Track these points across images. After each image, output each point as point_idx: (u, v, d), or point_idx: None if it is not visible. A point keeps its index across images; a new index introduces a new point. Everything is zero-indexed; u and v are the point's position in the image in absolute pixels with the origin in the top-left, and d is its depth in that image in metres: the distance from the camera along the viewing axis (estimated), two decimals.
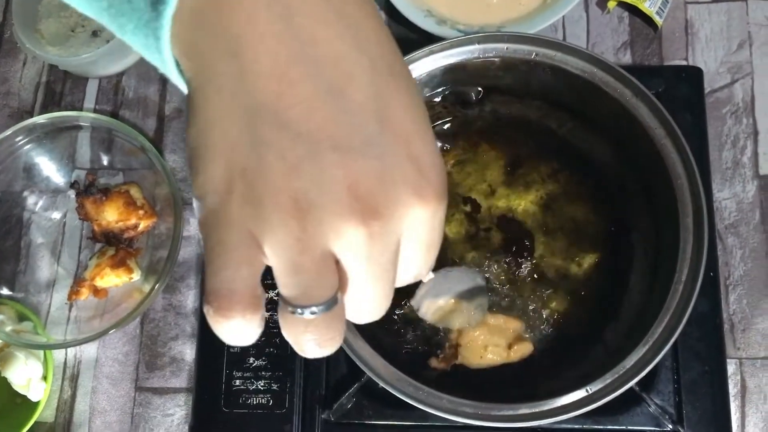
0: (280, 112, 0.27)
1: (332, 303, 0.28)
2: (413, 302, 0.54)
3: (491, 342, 0.54)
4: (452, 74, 0.54)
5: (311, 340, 0.29)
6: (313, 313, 0.28)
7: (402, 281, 0.32)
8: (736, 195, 0.67)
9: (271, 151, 0.27)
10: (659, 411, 0.55)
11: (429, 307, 0.54)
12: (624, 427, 0.56)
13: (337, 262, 0.28)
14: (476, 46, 0.52)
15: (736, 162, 0.68)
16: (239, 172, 0.27)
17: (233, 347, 0.61)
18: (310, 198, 0.27)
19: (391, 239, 0.28)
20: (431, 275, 0.43)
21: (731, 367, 0.63)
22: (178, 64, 0.29)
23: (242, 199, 0.27)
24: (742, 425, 0.62)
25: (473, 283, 0.55)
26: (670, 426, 0.56)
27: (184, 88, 0.30)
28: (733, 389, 0.62)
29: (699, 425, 0.56)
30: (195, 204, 0.29)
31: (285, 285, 0.28)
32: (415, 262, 0.31)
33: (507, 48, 0.51)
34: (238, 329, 0.28)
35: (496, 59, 0.52)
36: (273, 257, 0.27)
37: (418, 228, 0.29)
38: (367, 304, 0.30)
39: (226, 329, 0.28)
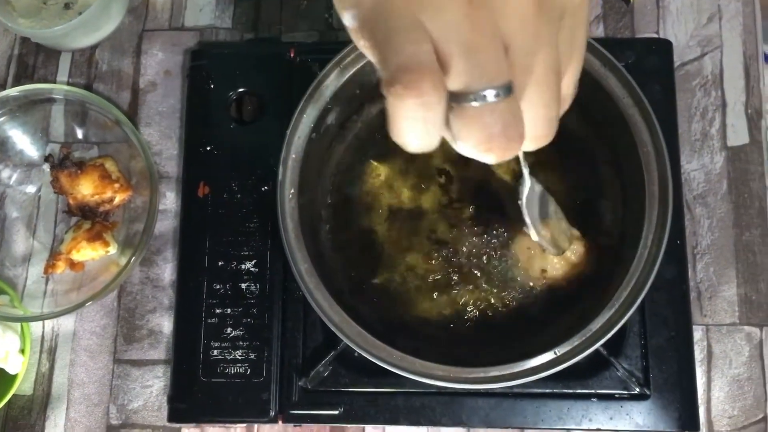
0: None
1: (508, 89, 0.27)
2: (529, 220, 0.49)
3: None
4: None
5: (490, 134, 0.28)
6: (496, 95, 0.27)
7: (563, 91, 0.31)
8: (705, 166, 0.69)
9: None
10: (627, 375, 0.57)
11: (539, 227, 0.50)
12: (593, 391, 0.58)
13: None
14: None
15: (704, 134, 0.69)
16: None
17: (212, 318, 0.61)
18: None
19: (554, 16, 0.28)
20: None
21: (698, 334, 0.64)
22: None
23: None
24: (708, 389, 0.64)
25: (540, 191, 0.50)
26: (638, 389, 0.57)
27: None
28: (699, 355, 0.64)
29: (665, 388, 0.58)
30: (348, 15, 0.28)
31: (458, 71, 0.27)
32: (572, 62, 0.31)
33: None
34: (429, 110, 0.27)
35: None
36: (444, 40, 0.27)
37: (574, 15, 0.29)
38: (543, 104, 0.29)
39: (415, 111, 0.27)
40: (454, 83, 0.27)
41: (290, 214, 0.51)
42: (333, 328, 0.49)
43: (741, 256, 0.67)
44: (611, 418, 0.58)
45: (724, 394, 0.64)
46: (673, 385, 0.58)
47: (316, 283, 0.50)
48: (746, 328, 0.65)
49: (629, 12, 0.73)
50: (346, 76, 0.52)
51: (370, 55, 0.29)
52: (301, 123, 0.52)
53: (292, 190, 0.51)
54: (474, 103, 0.27)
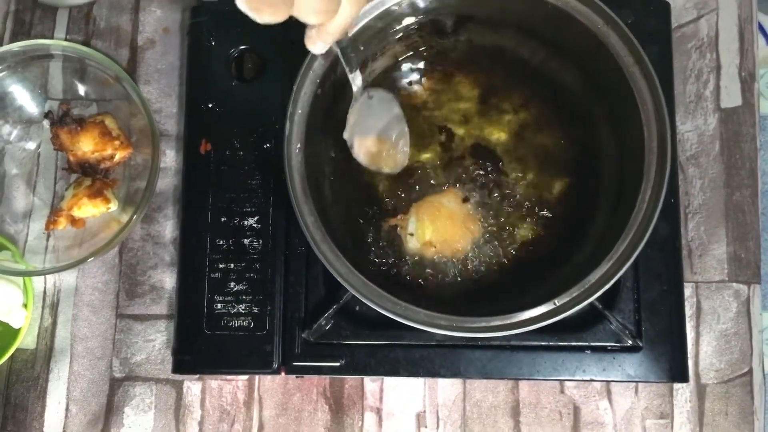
0: None
1: None
2: (345, 135, 0.57)
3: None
4: (429, 2, 0.55)
5: None
6: None
7: None
8: (698, 127, 0.70)
9: None
10: (620, 328, 0.59)
11: (360, 146, 0.57)
12: (587, 343, 0.60)
13: None
14: None
15: (698, 95, 0.71)
16: None
17: (215, 273, 0.62)
18: None
19: None
20: (360, 81, 0.53)
21: (688, 290, 0.66)
22: None
23: None
24: (697, 343, 0.66)
25: (391, 114, 0.57)
26: (630, 341, 0.59)
27: None
28: (689, 310, 0.66)
29: (656, 341, 0.60)
30: None
31: None
32: None
33: None
34: None
35: None
36: None
37: None
38: None
39: None
40: None
41: (297, 168, 0.52)
42: (340, 280, 0.50)
43: (731, 215, 0.68)
44: (604, 370, 0.60)
45: (712, 348, 0.66)
46: (664, 338, 0.60)
47: (322, 236, 0.51)
48: (734, 285, 0.67)
49: None
50: (350, 34, 0.52)
51: None
52: (307, 79, 0.53)
53: (299, 145, 0.52)
54: None
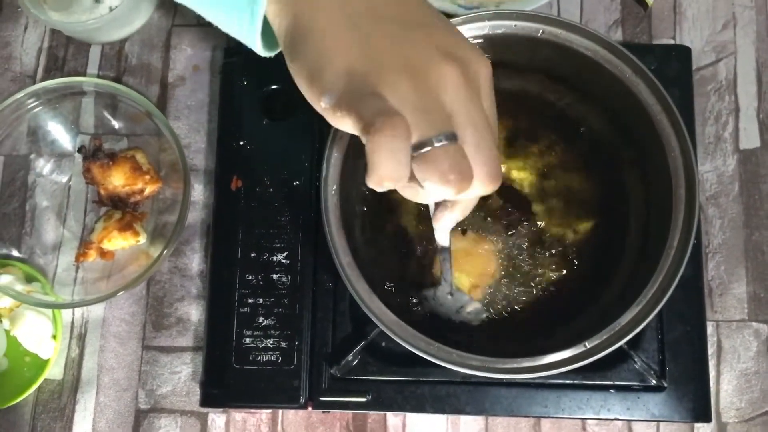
0: (374, 8, 0.38)
1: (452, 136, 0.36)
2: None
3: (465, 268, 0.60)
4: None
5: (445, 171, 0.36)
6: (441, 140, 0.36)
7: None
8: (717, 168, 0.71)
9: (376, 35, 0.38)
10: (644, 367, 0.60)
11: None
12: (611, 382, 0.60)
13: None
14: (486, 23, 0.54)
15: (718, 137, 0.72)
16: (357, 59, 0.37)
17: (244, 307, 0.63)
18: (413, 58, 0.37)
19: (476, 86, 0.38)
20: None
21: (709, 329, 0.67)
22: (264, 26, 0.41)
23: (363, 75, 0.37)
24: (718, 382, 0.67)
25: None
26: (654, 381, 0.60)
27: (260, 48, 0.44)
28: (710, 349, 0.66)
29: (680, 381, 0.61)
30: (325, 102, 0.38)
31: (414, 126, 0.36)
32: (491, 121, 0.40)
33: (515, 25, 0.54)
34: (399, 146, 0.35)
35: (503, 35, 0.54)
36: (401, 108, 0.36)
37: (485, 86, 0.39)
38: (485, 147, 0.38)
39: (389, 147, 0.35)
40: (415, 138, 0.36)
41: (333, 209, 0.53)
42: (375, 320, 0.51)
43: (750, 255, 0.69)
44: (628, 409, 0.60)
45: (732, 387, 0.67)
46: (688, 378, 0.60)
47: (357, 276, 0.52)
48: (754, 324, 0.68)
49: (647, 17, 0.75)
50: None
51: (349, 122, 0.37)
52: None
53: (334, 187, 0.54)
54: (427, 148, 0.36)
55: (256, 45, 0.43)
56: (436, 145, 0.36)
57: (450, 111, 0.37)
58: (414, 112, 0.36)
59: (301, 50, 0.39)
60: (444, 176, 0.36)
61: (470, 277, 0.61)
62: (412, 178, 0.37)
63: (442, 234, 0.49)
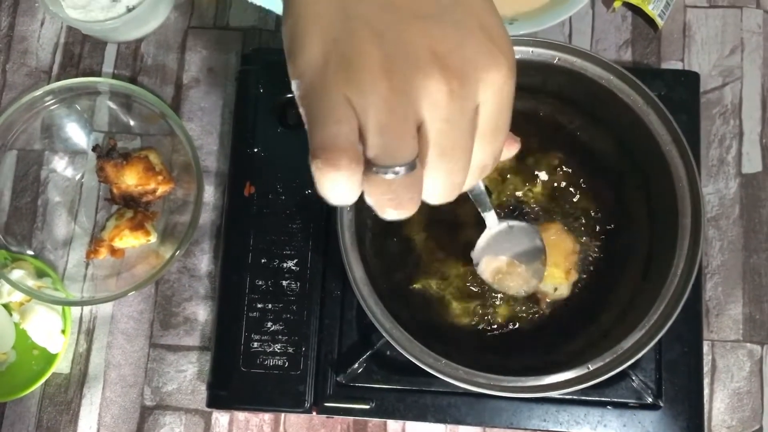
0: None
1: (412, 166, 0.31)
2: (473, 254, 0.56)
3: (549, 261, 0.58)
4: None
5: (392, 200, 0.32)
6: (395, 173, 0.31)
7: (474, 168, 0.34)
8: (719, 191, 0.73)
9: (359, 21, 0.31)
10: (642, 386, 0.61)
11: (488, 264, 0.56)
12: (609, 399, 0.62)
13: (419, 130, 0.31)
14: None
15: (721, 160, 0.74)
16: (332, 43, 0.31)
17: (253, 312, 0.65)
18: (396, 60, 0.30)
19: (469, 104, 0.31)
20: (494, 215, 0.51)
21: (704, 348, 0.69)
22: None
23: (336, 65, 0.31)
24: (711, 399, 0.69)
25: (532, 244, 0.57)
26: (651, 399, 0.62)
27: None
28: (705, 368, 0.68)
29: (676, 400, 0.62)
30: (294, 84, 0.32)
31: (372, 146, 0.31)
32: (489, 139, 0.33)
33: (532, 51, 0.55)
34: (344, 181, 0.31)
35: (519, 60, 0.56)
36: (363, 117, 0.30)
37: (493, 96, 0.32)
38: (444, 175, 0.33)
39: (333, 181, 0.31)
40: (368, 153, 0.31)
41: (347, 225, 0.54)
42: (384, 334, 0.52)
43: (748, 277, 0.71)
44: (624, 425, 0.62)
45: (725, 405, 0.69)
46: (683, 398, 0.62)
47: (369, 291, 0.54)
48: (749, 345, 0.70)
49: (656, 39, 0.76)
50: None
51: (305, 123, 0.32)
52: None
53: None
54: (380, 174, 0.31)
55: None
56: (386, 176, 0.31)
57: (421, 130, 0.31)
58: (376, 129, 0.30)
59: (284, 21, 0.33)
60: (379, 204, 0.33)
61: (558, 266, 0.61)
62: None
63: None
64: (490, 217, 0.53)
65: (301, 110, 0.32)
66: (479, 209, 0.51)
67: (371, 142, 0.31)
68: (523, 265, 0.57)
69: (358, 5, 0.31)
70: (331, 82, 0.31)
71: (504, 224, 0.55)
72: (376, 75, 0.30)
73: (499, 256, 0.56)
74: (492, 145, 0.34)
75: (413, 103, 0.31)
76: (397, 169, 0.31)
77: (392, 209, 0.33)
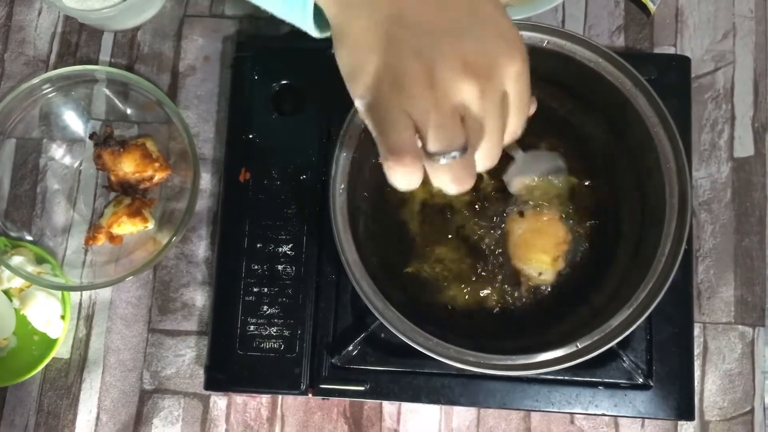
0: (402, 16, 0.39)
1: (464, 149, 0.40)
2: (505, 177, 0.63)
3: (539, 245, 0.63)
4: None
5: (453, 179, 0.41)
6: (453, 157, 0.40)
7: (508, 135, 0.44)
8: (711, 175, 0.74)
9: (403, 45, 0.39)
10: (633, 366, 0.62)
11: (518, 183, 0.64)
12: (600, 379, 0.63)
13: (464, 122, 0.40)
14: None
15: (713, 144, 0.74)
16: (383, 66, 0.39)
17: (249, 296, 0.65)
18: (436, 72, 0.39)
19: (497, 95, 0.40)
20: (520, 152, 0.61)
21: (696, 330, 0.69)
22: (315, 14, 0.42)
23: (390, 85, 0.39)
24: (702, 381, 0.70)
25: (555, 163, 0.64)
26: (641, 380, 0.63)
27: (313, 32, 0.45)
28: (696, 350, 0.69)
29: (666, 380, 0.63)
30: (358, 102, 0.42)
31: (431, 140, 0.39)
32: (515, 114, 0.43)
33: (521, 35, 0.56)
34: (410, 173, 0.40)
35: None
36: (421, 122, 0.39)
37: (514, 84, 0.41)
38: (488, 150, 0.42)
39: (402, 174, 0.40)
40: (429, 148, 0.40)
41: (340, 208, 0.55)
42: (377, 315, 0.53)
43: (740, 260, 0.72)
44: (615, 405, 0.63)
45: (716, 387, 0.70)
46: (673, 378, 0.63)
47: (362, 273, 0.54)
48: (740, 327, 0.71)
49: (649, 24, 0.77)
50: None
51: (372, 133, 0.41)
52: (353, 124, 0.56)
53: (342, 186, 0.56)
54: (442, 160, 0.40)
55: (311, 30, 0.45)
56: (443, 161, 0.40)
57: (467, 123, 0.40)
58: (431, 129, 0.39)
59: (338, 50, 0.42)
60: (445, 184, 0.42)
61: (546, 253, 0.63)
62: None
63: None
64: (516, 152, 0.61)
65: (367, 122, 0.41)
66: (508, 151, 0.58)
67: (430, 138, 0.39)
68: (547, 177, 0.64)
69: (398, 32, 0.39)
70: (389, 100, 0.39)
71: (528, 152, 0.62)
72: (422, 88, 0.39)
73: (527, 176, 0.64)
74: (519, 118, 0.44)
75: (456, 103, 0.39)
76: (453, 153, 0.40)
77: (455, 185, 0.42)
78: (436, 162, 0.40)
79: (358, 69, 0.40)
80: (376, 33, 0.40)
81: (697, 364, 0.69)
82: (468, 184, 0.42)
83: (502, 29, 0.41)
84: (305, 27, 0.45)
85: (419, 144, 0.40)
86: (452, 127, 0.39)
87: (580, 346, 0.53)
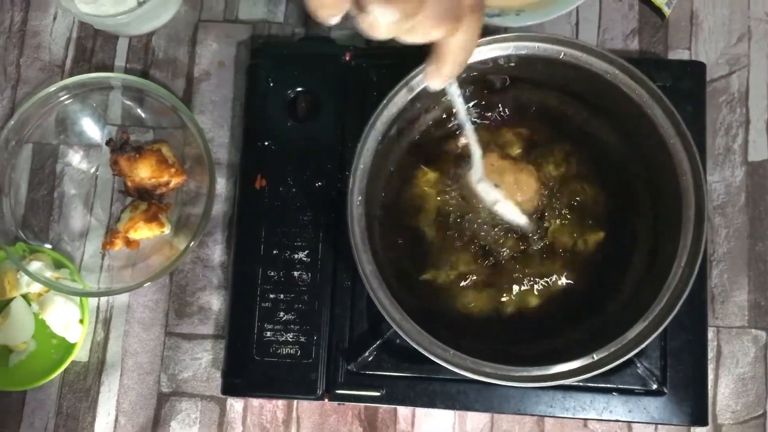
0: None
1: None
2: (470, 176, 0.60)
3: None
4: (484, 66, 0.58)
5: None
6: None
7: None
8: (725, 179, 0.74)
9: None
10: (647, 373, 0.63)
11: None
12: (614, 386, 0.64)
13: None
14: (510, 44, 0.56)
15: (727, 148, 0.74)
16: None
17: (265, 302, 0.66)
18: None
19: None
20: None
21: (709, 334, 0.70)
22: None
23: None
24: (716, 385, 0.70)
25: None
26: (656, 386, 0.63)
27: None
28: (710, 354, 0.69)
29: (680, 386, 0.64)
30: None
31: None
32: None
33: (538, 47, 0.56)
34: None
35: (526, 56, 0.57)
36: None
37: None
38: None
39: None
40: None
41: (357, 219, 0.55)
42: (395, 327, 0.54)
43: (753, 264, 0.72)
44: (630, 411, 0.63)
45: (730, 390, 0.70)
46: (687, 385, 0.64)
47: (379, 283, 0.55)
48: (753, 331, 0.71)
49: (663, 27, 0.77)
50: (413, 95, 0.56)
51: None
52: (370, 137, 0.56)
53: (359, 198, 0.56)
54: None
55: None
56: None
57: None
58: None
59: None
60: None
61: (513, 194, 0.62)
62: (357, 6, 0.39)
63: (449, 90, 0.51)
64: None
65: None
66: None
67: None
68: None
69: None
70: None
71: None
72: None
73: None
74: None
75: None
76: None
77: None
78: None
79: None
80: None
81: (710, 367, 0.70)
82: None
83: None
84: None
85: None
86: None
87: (596, 358, 0.53)
